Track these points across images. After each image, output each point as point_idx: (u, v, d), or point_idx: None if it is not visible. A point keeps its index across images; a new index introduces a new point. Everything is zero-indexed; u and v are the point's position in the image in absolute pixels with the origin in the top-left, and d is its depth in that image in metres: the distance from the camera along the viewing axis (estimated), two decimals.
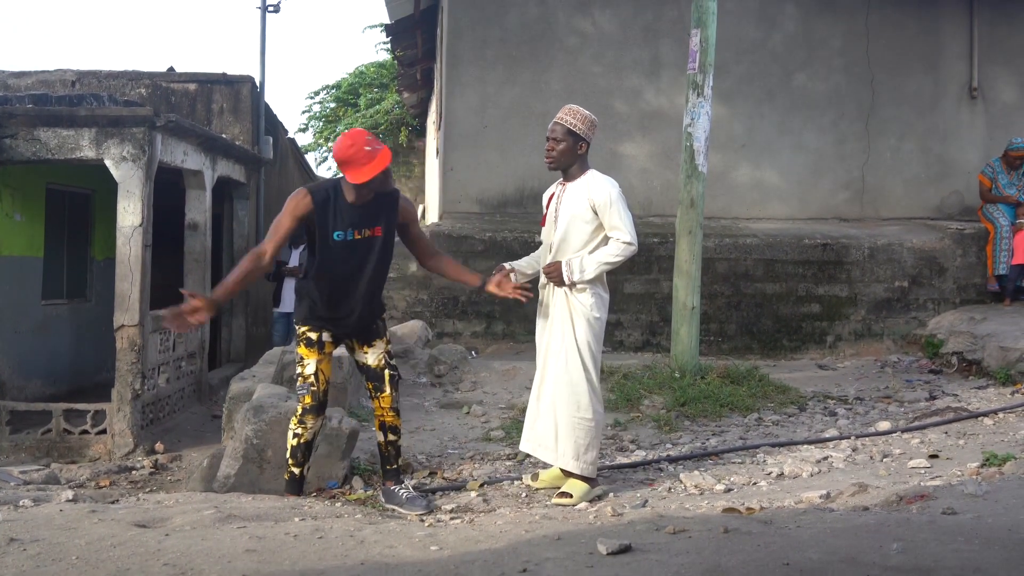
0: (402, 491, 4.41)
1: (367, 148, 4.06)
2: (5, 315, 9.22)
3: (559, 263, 4.45)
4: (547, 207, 4.67)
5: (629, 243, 4.39)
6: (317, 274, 4.26)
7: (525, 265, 4.75)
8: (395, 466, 4.51)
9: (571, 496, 4.38)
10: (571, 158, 4.53)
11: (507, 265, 4.71)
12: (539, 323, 4.67)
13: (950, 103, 10.10)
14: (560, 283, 4.46)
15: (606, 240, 4.46)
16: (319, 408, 4.41)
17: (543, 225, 4.68)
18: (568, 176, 4.58)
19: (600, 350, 4.57)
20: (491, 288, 4.48)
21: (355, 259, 4.26)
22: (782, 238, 9.05)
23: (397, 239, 4.46)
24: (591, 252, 4.45)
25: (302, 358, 4.38)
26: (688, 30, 7.23)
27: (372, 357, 4.45)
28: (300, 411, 4.41)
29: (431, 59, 13.21)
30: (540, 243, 8.80)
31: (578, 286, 4.44)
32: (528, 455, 5.36)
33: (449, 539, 3.39)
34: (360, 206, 4.22)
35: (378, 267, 4.35)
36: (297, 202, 4.19)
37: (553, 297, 4.54)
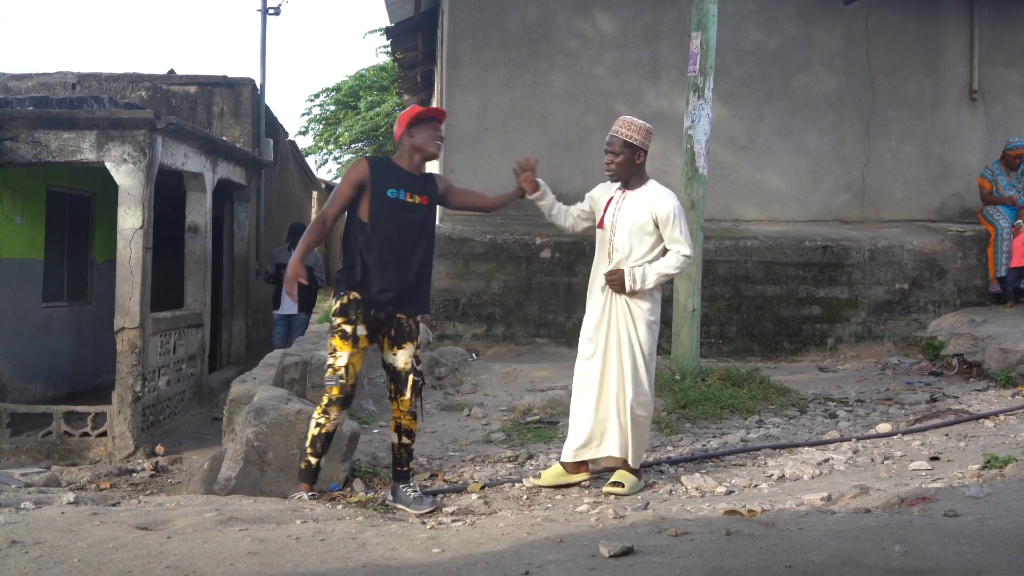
0: (409, 490, 4.44)
1: (406, 114, 4.54)
2: (6, 317, 9.22)
3: (622, 272, 4.57)
4: (604, 211, 4.73)
5: (688, 256, 4.62)
6: (370, 238, 4.37)
7: (551, 198, 4.90)
8: (406, 468, 4.55)
9: (623, 486, 4.53)
10: (631, 169, 4.66)
11: (540, 182, 4.84)
12: (594, 323, 4.69)
13: (950, 105, 10.11)
14: (621, 291, 4.58)
15: (664, 249, 4.63)
16: (345, 401, 4.44)
17: (600, 227, 4.75)
18: (628, 184, 4.70)
19: (656, 348, 4.73)
20: (525, 184, 4.79)
21: (404, 223, 4.43)
22: (782, 240, 9.06)
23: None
24: (651, 261, 4.60)
25: (335, 349, 4.40)
26: (688, 32, 7.24)
27: (400, 359, 4.49)
28: (325, 402, 4.43)
29: (431, 62, 13.22)
30: (540, 244, 8.81)
31: (637, 293, 4.59)
32: (529, 457, 5.38)
33: (451, 541, 3.39)
34: (410, 175, 4.49)
35: (424, 242, 4.53)
36: (355, 169, 4.46)
37: (613, 302, 4.63)
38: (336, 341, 4.40)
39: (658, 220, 4.58)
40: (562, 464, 4.75)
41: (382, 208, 4.39)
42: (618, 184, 4.74)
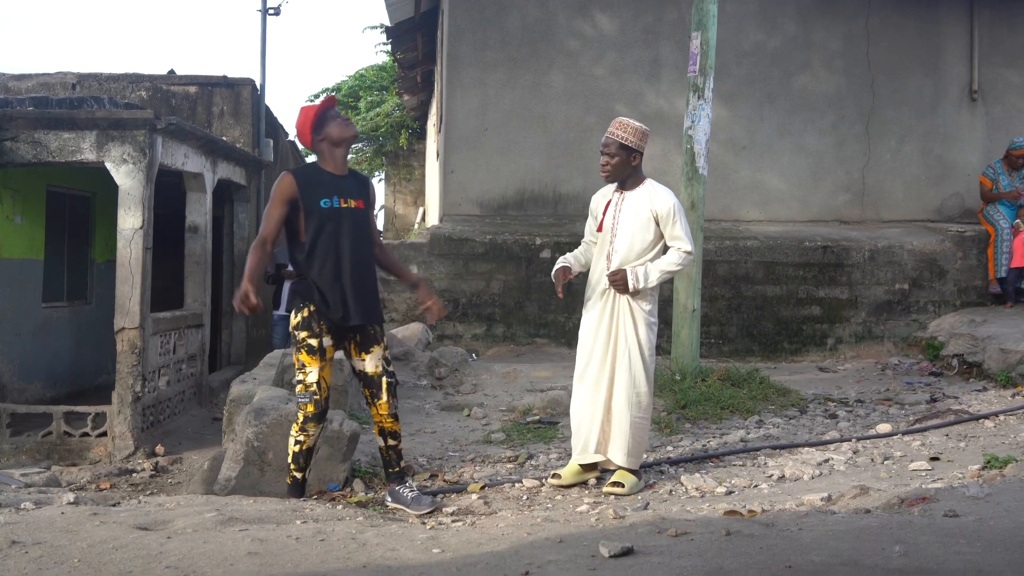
0: (407, 491, 4.42)
1: (304, 112, 4.36)
2: (6, 317, 9.22)
3: (624, 271, 4.57)
4: (603, 213, 4.74)
5: (690, 252, 4.61)
6: (310, 255, 4.28)
7: (573, 261, 4.89)
8: (398, 468, 4.51)
9: (623, 486, 4.53)
10: (626, 171, 4.67)
11: (563, 262, 4.85)
12: (593, 325, 4.69)
13: (950, 105, 10.11)
14: (624, 291, 4.58)
15: (664, 248, 4.63)
16: (321, 416, 4.39)
17: (599, 231, 4.76)
18: (625, 185, 4.71)
19: (655, 349, 4.73)
20: (421, 295, 4.63)
21: (345, 230, 4.31)
22: (782, 240, 9.06)
23: None
24: (652, 260, 4.60)
25: (304, 365, 4.31)
26: (688, 32, 7.24)
27: (370, 364, 4.42)
28: (302, 419, 4.36)
29: (431, 62, 13.22)
30: (540, 245, 8.81)
31: (639, 292, 4.59)
32: (529, 457, 5.38)
33: (451, 541, 3.39)
34: (340, 177, 4.38)
35: (368, 244, 4.44)
36: (280, 185, 4.30)
37: (613, 303, 4.64)
38: (304, 356, 4.31)
39: (659, 217, 4.59)
40: (579, 464, 4.77)
41: (320, 222, 4.27)
42: (614, 186, 4.75)
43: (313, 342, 4.30)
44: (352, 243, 4.32)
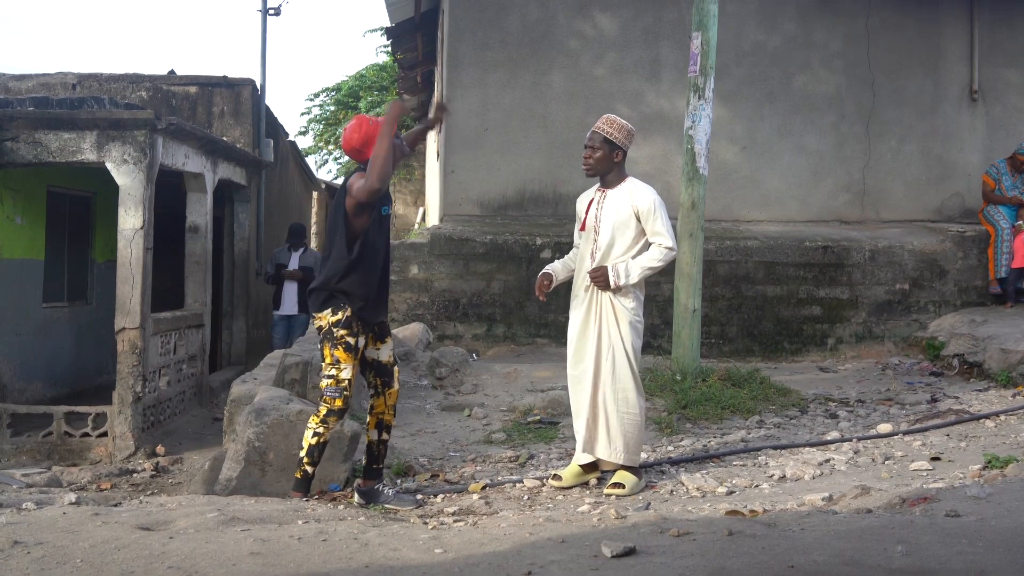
0: (387, 489, 4.50)
1: (371, 122, 4.46)
2: (6, 318, 9.22)
3: (605, 268, 4.58)
4: (586, 213, 4.75)
5: (671, 248, 4.60)
6: (362, 255, 4.42)
7: (560, 268, 4.91)
8: (382, 465, 4.62)
9: (624, 487, 4.53)
10: (607, 166, 4.68)
11: (547, 268, 4.89)
12: (579, 325, 4.70)
13: (951, 105, 10.11)
14: (606, 287, 4.58)
15: (647, 245, 4.63)
16: (343, 413, 4.48)
17: (582, 230, 4.77)
18: (607, 183, 4.72)
19: (640, 348, 4.73)
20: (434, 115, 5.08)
21: (386, 235, 4.60)
22: (783, 240, 9.06)
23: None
24: (634, 257, 4.60)
25: (338, 361, 4.40)
26: (689, 32, 7.24)
27: (385, 353, 4.59)
28: (325, 412, 4.43)
29: (432, 62, 13.22)
30: (540, 245, 8.81)
31: (622, 289, 4.58)
32: (530, 457, 5.38)
33: (453, 541, 3.39)
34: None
35: (389, 245, 4.73)
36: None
37: (596, 301, 4.64)
38: (340, 353, 4.40)
39: (639, 214, 4.59)
40: (579, 464, 4.77)
41: (379, 226, 4.50)
42: (597, 186, 4.77)
43: (351, 340, 4.42)
44: (386, 246, 4.61)
